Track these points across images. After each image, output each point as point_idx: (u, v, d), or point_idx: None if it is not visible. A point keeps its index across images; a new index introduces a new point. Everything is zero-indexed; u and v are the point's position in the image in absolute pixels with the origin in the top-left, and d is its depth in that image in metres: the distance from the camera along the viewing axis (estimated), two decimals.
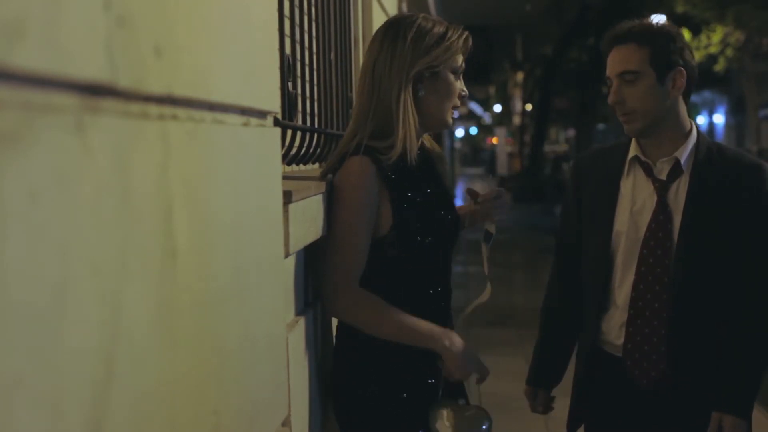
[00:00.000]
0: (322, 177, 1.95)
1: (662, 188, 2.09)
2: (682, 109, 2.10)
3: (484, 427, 1.88)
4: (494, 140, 39.22)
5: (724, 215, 2.04)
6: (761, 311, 2.05)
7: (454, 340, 1.88)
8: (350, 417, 1.93)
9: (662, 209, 2.08)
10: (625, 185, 2.15)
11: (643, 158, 2.12)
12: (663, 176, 2.10)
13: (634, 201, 2.12)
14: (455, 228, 2.03)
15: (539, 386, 2.39)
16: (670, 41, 2.05)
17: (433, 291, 1.97)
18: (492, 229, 2.14)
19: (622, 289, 2.14)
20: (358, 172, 1.85)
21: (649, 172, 2.11)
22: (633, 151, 2.15)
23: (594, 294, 2.19)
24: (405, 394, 1.90)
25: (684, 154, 2.08)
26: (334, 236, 1.87)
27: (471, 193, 2.20)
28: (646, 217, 2.10)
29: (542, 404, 2.40)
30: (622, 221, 2.13)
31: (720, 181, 2.05)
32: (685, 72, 2.06)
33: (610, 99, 2.09)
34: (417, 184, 1.93)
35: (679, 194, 2.08)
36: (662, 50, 2.04)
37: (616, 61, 2.08)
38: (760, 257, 2.05)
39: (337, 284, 1.86)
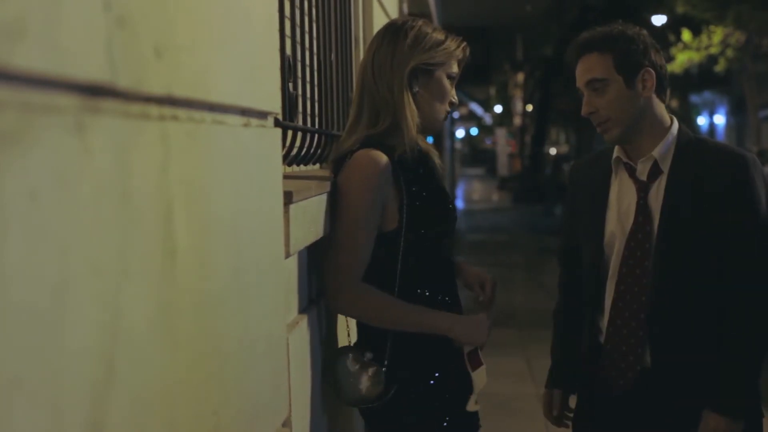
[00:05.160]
0: (330, 176, 1.96)
1: (642, 189, 2.08)
2: (659, 107, 2.08)
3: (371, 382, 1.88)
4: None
5: (702, 211, 2.00)
6: (747, 305, 2.00)
7: (455, 326, 1.93)
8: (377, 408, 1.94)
9: (641, 210, 2.07)
10: (614, 188, 2.15)
11: (625, 159, 2.12)
12: (644, 177, 2.09)
13: (621, 203, 2.12)
14: (455, 220, 2.07)
15: (554, 386, 2.36)
16: (631, 44, 2.04)
17: (439, 283, 2.00)
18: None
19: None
20: (371, 164, 1.88)
21: (631, 173, 2.11)
22: (616, 152, 2.15)
23: (591, 296, 2.20)
24: (436, 375, 1.93)
25: (661, 151, 2.06)
26: (340, 230, 1.90)
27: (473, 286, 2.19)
28: (630, 219, 2.09)
29: (557, 408, 2.34)
30: (611, 224, 2.14)
31: (698, 176, 2.02)
32: (653, 71, 2.04)
33: (583, 110, 2.07)
34: (420, 177, 1.97)
35: (659, 194, 2.06)
36: (625, 54, 2.03)
37: (582, 71, 2.08)
38: (743, 249, 2.00)
39: (341, 282, 1.89)
